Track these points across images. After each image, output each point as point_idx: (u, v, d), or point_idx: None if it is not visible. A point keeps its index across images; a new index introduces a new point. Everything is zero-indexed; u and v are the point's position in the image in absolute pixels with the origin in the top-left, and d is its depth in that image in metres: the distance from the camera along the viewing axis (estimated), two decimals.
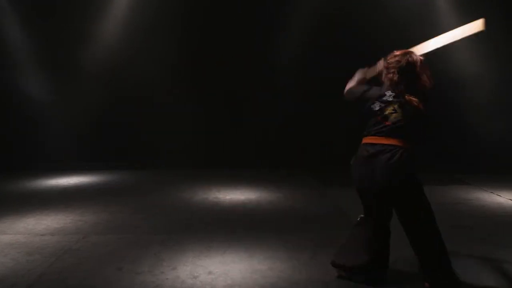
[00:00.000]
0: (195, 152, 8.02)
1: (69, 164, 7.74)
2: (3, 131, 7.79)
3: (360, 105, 3.18)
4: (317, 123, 7.84)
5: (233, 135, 7.97)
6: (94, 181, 6.91)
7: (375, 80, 3.25)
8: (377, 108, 3.04)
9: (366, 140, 3.06)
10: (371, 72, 3.31)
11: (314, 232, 4.29)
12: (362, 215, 3.20)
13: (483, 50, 7.59)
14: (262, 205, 5.44)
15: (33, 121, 8.02)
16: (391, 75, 3.04)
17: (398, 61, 3.03)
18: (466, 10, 7.30)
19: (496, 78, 7.78)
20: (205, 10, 7.91)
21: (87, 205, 5.39)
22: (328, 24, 7.74)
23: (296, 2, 7.86)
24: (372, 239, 3.08)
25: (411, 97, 2.95)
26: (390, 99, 3.02)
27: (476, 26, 3.01)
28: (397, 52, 3.10)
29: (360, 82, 3.31)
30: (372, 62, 3.30)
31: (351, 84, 3.34)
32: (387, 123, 2.98)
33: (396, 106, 2.99)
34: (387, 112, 3.00)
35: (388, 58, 3.11)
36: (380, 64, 3.19)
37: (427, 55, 3.15)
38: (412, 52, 3.11)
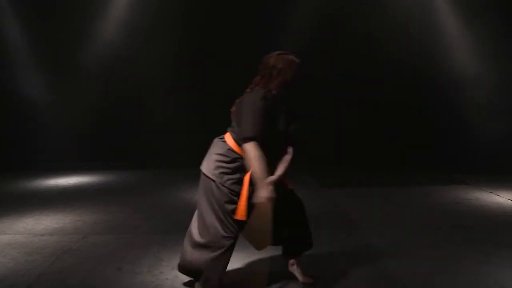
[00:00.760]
0: (195, 152, 7.95)
1: (69, 164, 7.73)
2: (3, 131, 7.78)
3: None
4: (317, 123, 7.83)
5: None
6: (94, 181, 6.90)
7: None
8: None
9: None
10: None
11: (312, 232, 4.27)
12: None
13: (483, 50, 7.60)
14: None
15: (33, 121, 8.00)
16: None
17: None
18: (466, 10, 7.34)
19: (496, 78, 7.78)
20: (205, 10, 7.91)
21: (87, 205, 5.38)
22: (328, 24, 7.75)
23: (296, 2, 7.86)
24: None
25: None
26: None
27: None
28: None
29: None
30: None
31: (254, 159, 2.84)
32: None
33: None
34: None
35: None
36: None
37: None
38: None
